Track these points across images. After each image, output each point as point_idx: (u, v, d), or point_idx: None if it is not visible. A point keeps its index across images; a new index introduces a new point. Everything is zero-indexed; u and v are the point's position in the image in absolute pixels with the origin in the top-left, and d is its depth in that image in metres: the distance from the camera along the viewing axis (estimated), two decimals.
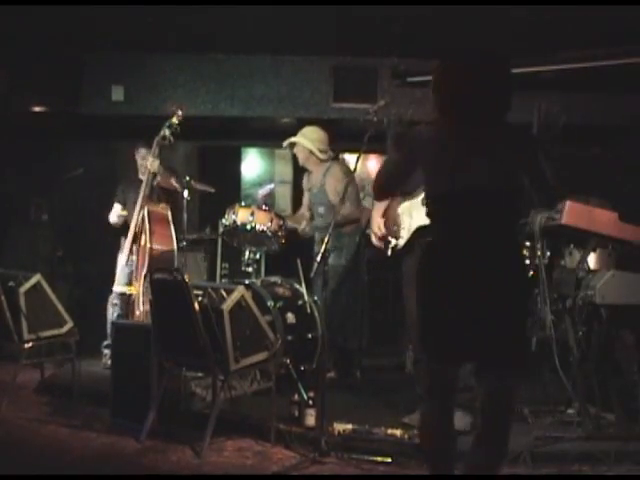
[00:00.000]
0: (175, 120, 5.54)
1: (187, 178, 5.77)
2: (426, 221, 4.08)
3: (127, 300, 5.54)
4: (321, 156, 5.52)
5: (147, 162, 5.60)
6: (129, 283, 5.51)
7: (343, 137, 6.28)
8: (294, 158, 5.82)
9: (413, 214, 4.30)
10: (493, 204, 2.84)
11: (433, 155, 2.91)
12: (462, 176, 2.82)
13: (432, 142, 2.94)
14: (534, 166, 2.88)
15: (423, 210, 4.11)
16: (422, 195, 4.17)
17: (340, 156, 6.92)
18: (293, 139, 5.53)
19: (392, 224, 4.46)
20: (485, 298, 2.76)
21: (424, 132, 3.00)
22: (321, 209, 5.56)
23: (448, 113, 2.90)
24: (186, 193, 5.61)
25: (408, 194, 4.34)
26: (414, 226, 4.28)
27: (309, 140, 5.48)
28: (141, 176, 5.79)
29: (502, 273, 2.79)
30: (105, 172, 7.03)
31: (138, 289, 5.36)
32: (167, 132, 5.54)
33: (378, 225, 4.48)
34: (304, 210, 5.85)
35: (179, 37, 6.23)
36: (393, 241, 4.46)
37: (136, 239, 5.51)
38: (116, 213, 5.88)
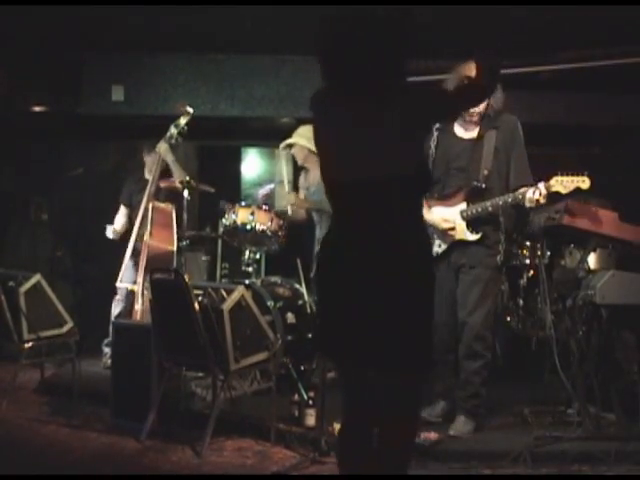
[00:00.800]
0: (182, 120, 5.56)
1: (187, 178, 5.76)
2: (473, 237, 4.12)
3: (130, 297, 5.56)
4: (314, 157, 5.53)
5: (157, 147, 5.62)
6: (134, 281, 5.52)
7: None
8: (294, 158, 5.81)
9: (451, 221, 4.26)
10: (381, 194, 2.50)
11: (317, 131, 2.65)
12: (346, 161, 2.53)
13: (317, 115, 2.64)
14: (429, 105, 2.52)
15: (463, 223, 4.17)
16: (461, 205, 4.19)
17: None
18: (290, 140, 5.53)
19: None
20: (368, 296, 2.49)
21: (316, 102, 2.65)
22: None
23: (328, 84, 2.57)
24: (186, 193, 5.61)
25: (445, 197, 4.28)
26: (457, 237, 4.22)
27: (306, 139, 5.48)
28: (148, 175, 5.81)
29: (387, 274, 2.49)
30: (105, 172, 7.04)
31: (139, 285, 5.38)
32: (174, 131, 5.57)
33: (445, 220, 4.26)
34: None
35: (179, 37, 6.23)
36: (439, 245, 4.33)
37: (140, 235, 5.52)
38: (120, 223, 5.85)
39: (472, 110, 4.11)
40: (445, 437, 4.05)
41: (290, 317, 5.05)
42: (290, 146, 5.60)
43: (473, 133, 4.25)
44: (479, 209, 4.14)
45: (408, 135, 2.47)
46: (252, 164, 8.28)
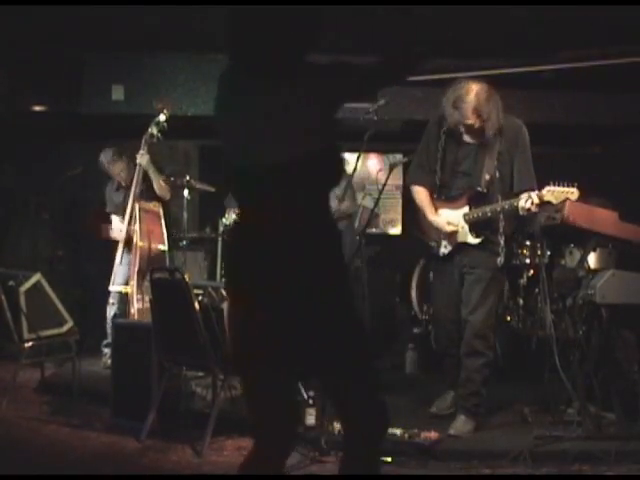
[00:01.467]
0: (162, 118, 5.55)
1: (187, 177, 5.77)
2: (474, 240, 4.18)
3: (124, 299, 5.54)
4: None
5: (137, 156, 5.59)
6: (126, 282, 5.51)
7: (343, 136, 6.27)
8: None
9: (455, 224, 4.30)
10: (285, 181, 2.28)
11: (219, 112, 2.44)
12: (248, 144, 2.32)
13: (221, 96, 2.43)
14: (334, 84, 2.35)
15: (466, 226, 4.21)
16: (464, 209, 4.24)
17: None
18: None
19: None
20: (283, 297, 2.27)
21: (221, 83, 2.43)
22: None
23: (234, 65, 2.38)
24: (186, 192, 5.61)
25: (451, 201, 4.33)
26: (460, 240, 4.27)
27: None
28: (122, 182, 5.80)
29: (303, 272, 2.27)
30: (105, 171, 7.03)
31: (132, 287, 5.37)
32: (155, 130, 5.55)
33: (449, 223, 4.29)
34: None
35: (179, 37, 6.23)
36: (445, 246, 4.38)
37: (130, 238, 5.50)
38: (117, 228, 5.82)
39: (469, 122, 4.12)
40: (445, 436, 4.05)
41: None
42: None
43: (477, 138, 4.26)
44: (479, 213, 4.19)
45: (314, 116, 2.30)
46: None
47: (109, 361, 5.06)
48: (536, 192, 4.00)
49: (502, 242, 4.23)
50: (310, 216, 2.32)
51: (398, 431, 4.03)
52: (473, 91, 4.09)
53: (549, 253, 4.92)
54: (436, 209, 4.34)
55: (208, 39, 6.33)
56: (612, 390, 4.13)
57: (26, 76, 6.58)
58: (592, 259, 4.50)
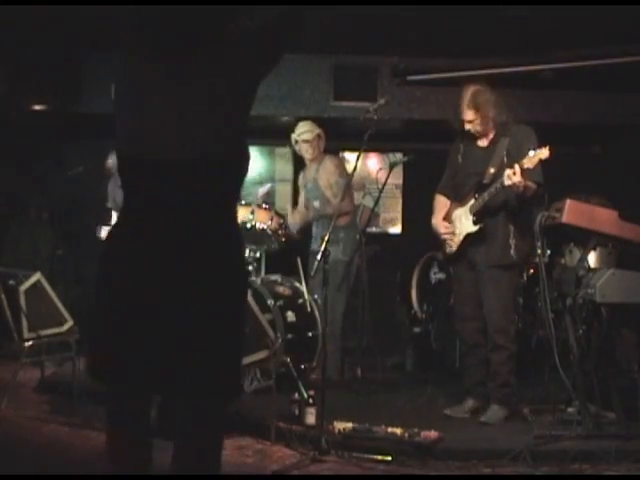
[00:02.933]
0: None
1: None
2: (473, 228, 4.29)
3: None
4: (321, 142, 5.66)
5: None
6: None
7: (343, 136, 6.29)
8: (294, 157, 5.84)
9: (463, 220, 4.47)
10: (190, 179, 2.03)
11: (118, 93, 2.10)
12: (145, 135, 2.02)
13: (126, 72, 2.09)
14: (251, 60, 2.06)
15: (470, 218, 4.36)
16: (471, 202, 4.38)
17: (341, 154, 6.95)
18: (303, 134, 5.60)
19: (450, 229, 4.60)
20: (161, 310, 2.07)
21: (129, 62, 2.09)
22: (316, 203, 5.69)
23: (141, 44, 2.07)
24: None
25: (462, 199, 4.50)
26: (463, 233, 4.45)
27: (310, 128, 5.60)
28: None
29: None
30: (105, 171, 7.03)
31: None
32: None
33: (446, 227, 4.56)
34: (300, 208, 5.93)
35: None
36: (450, 245, 4.58)
37: None
38: None
39: (468, 118, 4.40)
40: (445, 436, 4.05)
41: (290, 316, 5.05)
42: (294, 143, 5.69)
43: (487, 141, 4.52)
44: (480, 200, 4.35)
45: (228, 103, 2.03)
46: (252, 163, 8.26)
47: None
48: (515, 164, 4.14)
49: (511, 233, 4.36)
50: (210, 223, 2.10)
51: (398, 430, 4.03)
52: (469, 89, 4.41)
53: (549, 252, 4.92)
54: (452, 211, 4.55)
55: None
56: (612, 389, 4.13)
57: (26, 76, 6.58)
58: (592, 258, 4.51)
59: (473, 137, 4.52)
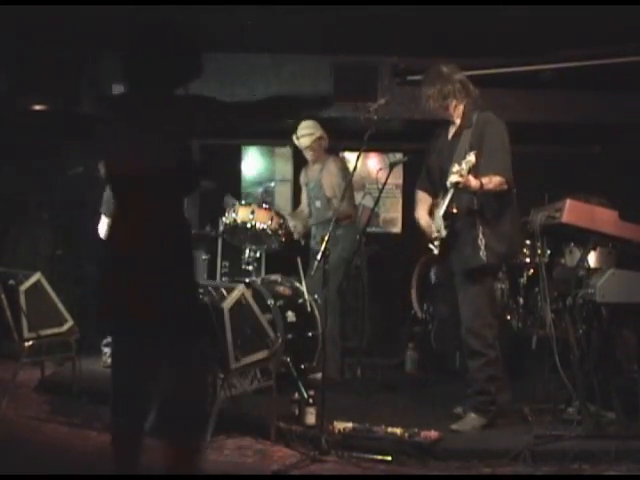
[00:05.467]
0: None
1: None
2: (444, 233, 4.20)
3: None
4: (323, 143, 5.63)
5: None
6: None
7: (343, 135, 6.28)
8: (294, 156, 5.84)
9: (439, 223, 4.28)
10: (150, 187, 2.78)
11: (107, 125, 3.00)
12: (120, 155, 2.83)
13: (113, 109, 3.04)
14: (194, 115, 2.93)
15: (443, 222, 4.22)
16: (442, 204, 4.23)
17: (341, 154, 6.94)
18: (303, 139, 5.59)
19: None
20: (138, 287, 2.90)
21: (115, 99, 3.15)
22: (318, 203, 5.68)
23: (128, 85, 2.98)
24: None
25: (440, 198, 4.33)
26: (439, 238, 4.29)
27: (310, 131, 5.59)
28: None
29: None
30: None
31: None
32: None
33: (427, 222, 4.39)
34: (304, 207, 5.92)
35: None
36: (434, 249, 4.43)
37: None
38: (104, 232, 5.81)
39: (429, 100, 4.31)
40: (445, 435, 4.05)
41: (290, 315, 5.06)
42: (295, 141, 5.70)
43: (452, 134, 4.38)
44: (444, 205, 4.19)
45: (176, 136, 2.81)
46: (252, 163, 8.27)
47: (109, 360, 5.05)
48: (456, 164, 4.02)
49: (480, 234, 4.15)
50: (165, 219, 2.80)
51: (398, 430, 4.03)
52: (428, 69, 4.37)
53: (549, 252, 4.92)
54: (434, 210, 4.37)
55: (205, 38, 6.35)
56: (612, 389, 4.13)
57: (26, 75, 6.58)
58: (592, 258, 4.51)
59: (446, 131, 4.37)
